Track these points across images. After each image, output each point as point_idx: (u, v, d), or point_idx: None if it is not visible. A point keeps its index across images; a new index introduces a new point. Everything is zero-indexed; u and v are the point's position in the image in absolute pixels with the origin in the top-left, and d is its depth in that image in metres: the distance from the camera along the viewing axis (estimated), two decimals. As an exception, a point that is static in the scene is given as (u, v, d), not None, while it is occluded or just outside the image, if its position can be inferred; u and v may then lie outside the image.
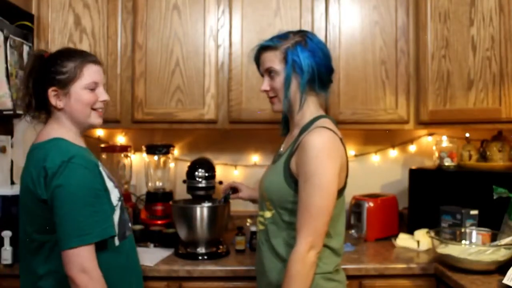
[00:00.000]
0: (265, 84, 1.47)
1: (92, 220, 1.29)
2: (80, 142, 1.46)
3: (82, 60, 1.40)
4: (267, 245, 1.45)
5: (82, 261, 1.25)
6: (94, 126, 1.49)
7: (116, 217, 1.42)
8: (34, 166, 1.35)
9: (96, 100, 1.42)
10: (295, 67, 1.40)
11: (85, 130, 1.50)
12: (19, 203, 1.44)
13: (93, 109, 1.43)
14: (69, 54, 1.42)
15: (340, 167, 1.35)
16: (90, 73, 1.40)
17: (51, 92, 1.38)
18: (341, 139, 1.40)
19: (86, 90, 1.40)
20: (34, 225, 1.37)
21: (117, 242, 1.42)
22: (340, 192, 1.41)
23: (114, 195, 1.43)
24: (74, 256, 1.25)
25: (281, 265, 1.40)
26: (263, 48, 1.47)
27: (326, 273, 1.39)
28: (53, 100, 1.39)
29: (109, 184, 1.41)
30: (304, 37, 1.43)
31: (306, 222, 1.30)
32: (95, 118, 1.45)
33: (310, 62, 1.39)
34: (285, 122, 1.58)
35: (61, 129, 1.41)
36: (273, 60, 1.43)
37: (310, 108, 1.46)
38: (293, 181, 1.38)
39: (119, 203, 1.45)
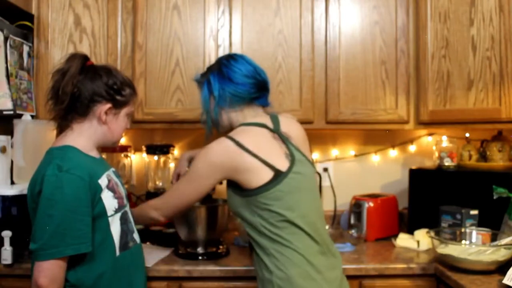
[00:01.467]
0: None
1: (64, 235, 1.31)
2: (94, 153, 1.50)
3: (134, 91, 1.56)
4: (253, 243, 1.53)
5: (45, 274, 1.29)
6: (110, 145, 1.59)
7: (115, 227, 1.44)
8: (39, 169, 1.40)
9: (126, 127, 1.57)
10: (210, 92, 1.59)
11: (102, 145, 1.56)
12: (19, 203, 1.45)
13: None
14: (127, 81, 1.54)
15: (231, 167, 1.46)
16: (134, 104, 1.57)
17: (105, 107, 1.45)
18: (237, 142, 1.46)
19: (127, 116, 1.55)
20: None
21: (117, 252, 1.44)
22: (278, 178, 1.44)
23: (111, 205, 1.43)
24: (38, 266, 1.30)
25: (259, 257, 1.49)
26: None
27: (307, 261, 1.42)
28: (102, 114, 1.45)
29: (106, 195, 1.42)
30: (218, 64, 1.60)
31: (164, 196, 1.63)
32: (119, 141, 1.62)
33: (218, 87, 1.56)
34: None
35: (79, 138, 1.46)
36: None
37: (235, 120, 1.59)
38: (233, 185, 1.50)
39: (118, 214, 1.46)
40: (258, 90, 1.57)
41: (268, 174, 1.44)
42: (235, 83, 1.54)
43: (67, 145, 1.43)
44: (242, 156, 1.45)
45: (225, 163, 1.46)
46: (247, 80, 1.55)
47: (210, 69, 1.62)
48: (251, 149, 1.46)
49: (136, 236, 1.56)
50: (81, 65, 1.45)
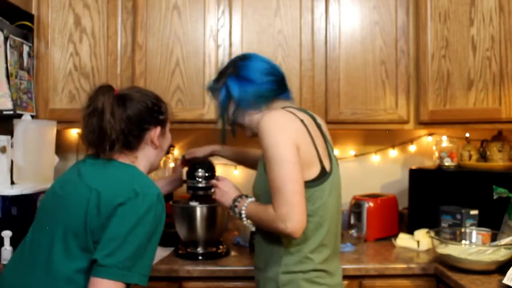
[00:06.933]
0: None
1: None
2: None
3: (165, 102, 1.44)
4: (268, 237, 1.45)
5: None
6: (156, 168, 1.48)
7: None
8: (119, 179, 1.27)
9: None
10: (231, 97, 1.48)
11: (154, 169, 1.48)
12: (19, 203, 1.43)
13: None
14: (157, 96, 1.43)
15: (299, 141, 1.33)
16: (170, 115, 1.46)
17: (156, 131, 1.37)
18: (302, 120, 1.39)
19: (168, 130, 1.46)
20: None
21: None
22: (319, 179, 1.37)
23: None
24: (98, 282, 1.14)
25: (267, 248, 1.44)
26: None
27: (317, 266, 1.37)
28: (156, 140, 1.37)
29: None
30: (234, 67, 1.50)
31: (274, 196, 1.29)
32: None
33: (238, 90, 1.46)
34: None
35: (139, 164, 1.37)
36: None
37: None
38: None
39: None
40: (279, 87, 1.50)
41: (316, 170, 1.36)
42: (256, 83, 1.46)
43: (133, 165, 1.33)
44: (305, 137, 1.36)
45: (291, 129, 1.34)
46: (266, 78, 1.47)
47: (224, 73, 1.51)
48: (313, 135, 1.38)
49: None
50: (113, 98, 1.30)
